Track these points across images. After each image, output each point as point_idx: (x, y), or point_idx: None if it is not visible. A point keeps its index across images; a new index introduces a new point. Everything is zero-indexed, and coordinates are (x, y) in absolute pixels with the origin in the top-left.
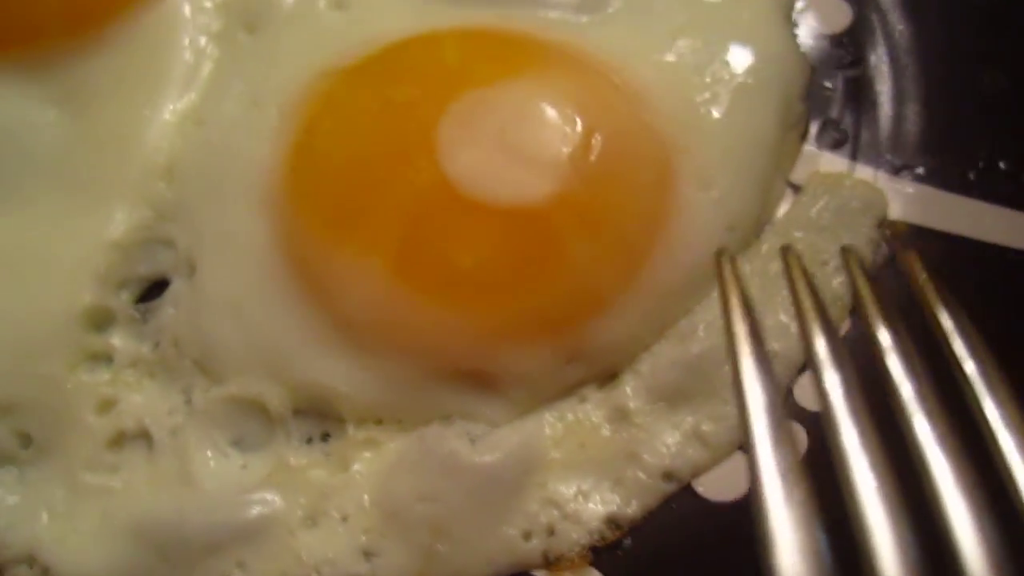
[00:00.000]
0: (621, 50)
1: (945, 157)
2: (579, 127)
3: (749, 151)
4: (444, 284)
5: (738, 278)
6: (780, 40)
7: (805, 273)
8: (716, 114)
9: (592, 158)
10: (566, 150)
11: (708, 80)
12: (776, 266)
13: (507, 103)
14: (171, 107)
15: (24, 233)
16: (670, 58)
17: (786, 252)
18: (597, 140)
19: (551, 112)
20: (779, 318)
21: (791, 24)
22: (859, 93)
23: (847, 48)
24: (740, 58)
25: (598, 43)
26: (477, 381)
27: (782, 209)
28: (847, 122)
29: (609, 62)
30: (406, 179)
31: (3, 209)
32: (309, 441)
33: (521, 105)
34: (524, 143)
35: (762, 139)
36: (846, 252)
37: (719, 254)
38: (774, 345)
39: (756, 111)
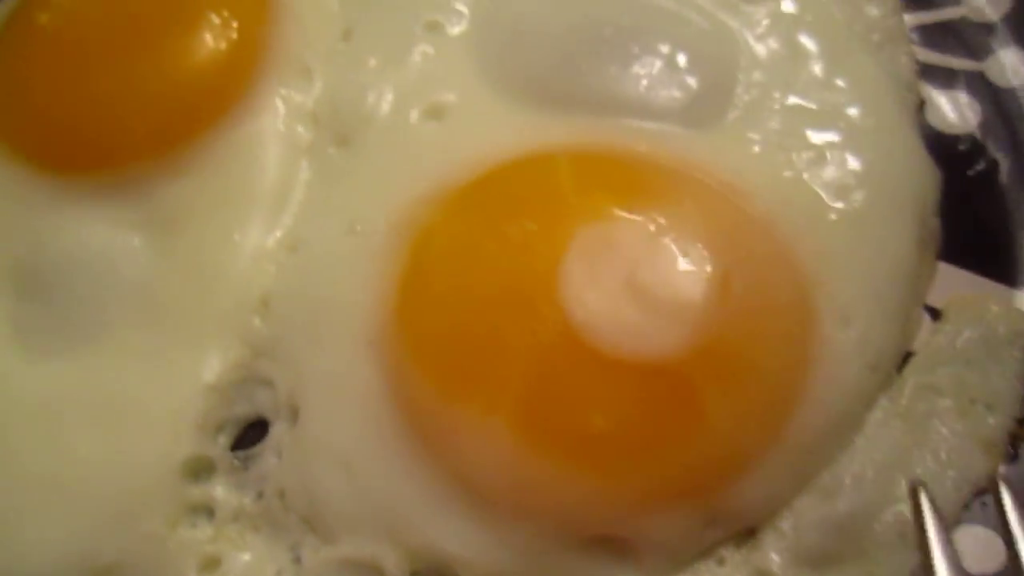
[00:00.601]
0: (741, 167)
1: None
2: (714, 265)
3: (887, 278)
4: (573, 446)
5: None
6: (909, 147)
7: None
8: (849, 238)
9: (731, 301)
10: (702, 293)
11: (837, 199)
12: (923, 406)
13: (633, 239)
14: (262, 232)
15: (115, 377)
16: (793, 175)
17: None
18: (735, 280)
19: (683, 249)
20: (928, 465)
21: (916, 127)
22: (996, 201)
23: (978, 149)
24: (870, 171)
25: (716, 159)
26: (609, 546)
27: (921, 337)
28: (984, 235)
29: (732, 182)
30: (528, 328)
31: (92, 349)
32: None
33: (648, 241)
34: (655, 286)
35: (899, 263)
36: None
37: (915, 487)
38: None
39: (892, 231)
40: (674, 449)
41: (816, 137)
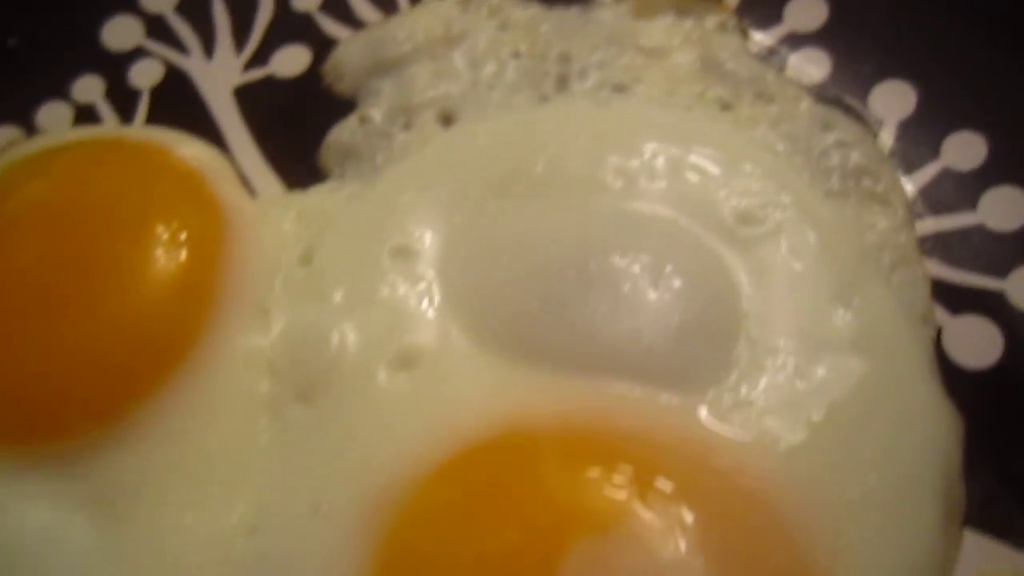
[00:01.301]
0: (745, 438)
1: None
2: None
3: (911, 569)
4: None
5: None
6: (929, 400)
7: None
8: (866, 526)
9: None
10: None
11: (852, 478)
12: None
13: (628, 557)
14: (219, 510)
15: None
16: (803, 448)
17: None
18: None
19: (685, 567)
20: None
21: (935, 366)
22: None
23: (1003, 391)
24: (889, 438)
25: (716, 430)
26: None
27: None
28: (1013, 498)
29: (736, 460)
30: None
31: None
32: None
33: (646, 559)
34: None
35: (925, 547)
36: None
37: None
38: None
39: (915, 510)
40: None
41: (826, 398)
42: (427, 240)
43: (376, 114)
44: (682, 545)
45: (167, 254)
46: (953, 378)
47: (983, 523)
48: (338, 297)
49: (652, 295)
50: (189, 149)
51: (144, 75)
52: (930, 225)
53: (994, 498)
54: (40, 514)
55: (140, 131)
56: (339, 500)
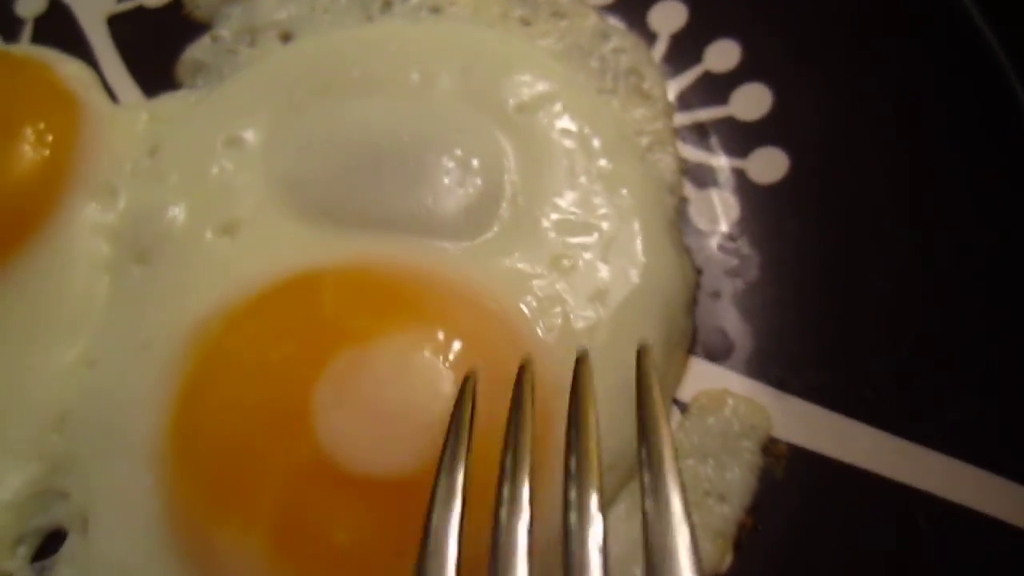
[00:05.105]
0: (501, 278)
1: (833, 374)
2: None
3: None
4: (322, 563)
5: None
6: (661, 252)
7: None
8: (595, 343)
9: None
10: (439, 409)
11: (587, 305)
12: None
13: (383, 361)
14: (63, 349)
15: None
16: (548, 285)
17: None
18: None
19: (428, 371)
20: None
21: (677, 227)
22: (746, 299)
23: (733, 249)
24: (620, 279)
25: (478, 273)
26: None
27: None
28: (733, 332)
29: (492, 295)
30: (282, 449)
31: None
32: None
33: (397, 363)
34: (399, 407)
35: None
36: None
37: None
38: None
39: (638, 335)
40: None
41: (574, 247)
42: (256, 133)
43: (226, 34)
44: (429, 353)
45: (29, 140)
46: (696, 239)
47: (706, 353)
48: (175, 178)
49: (437, 167)
50: (63, 65)
51: (28, 6)
52: (688, 118)
53: (717, 334)
54: None
55: (24, 48)
56: (165, 336)
